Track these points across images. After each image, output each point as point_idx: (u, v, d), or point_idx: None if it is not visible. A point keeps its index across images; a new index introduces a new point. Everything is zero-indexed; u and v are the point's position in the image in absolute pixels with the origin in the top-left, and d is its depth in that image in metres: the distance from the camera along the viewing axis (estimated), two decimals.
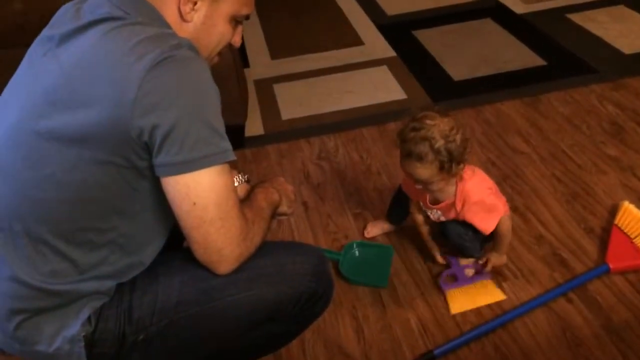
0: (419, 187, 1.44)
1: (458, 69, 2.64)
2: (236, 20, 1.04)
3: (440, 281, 1.56)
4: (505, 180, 1.93)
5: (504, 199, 1.55)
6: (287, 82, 2.67)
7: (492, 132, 2.19)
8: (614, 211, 1.74)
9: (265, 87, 2.65)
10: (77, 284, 0.95)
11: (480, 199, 1.45)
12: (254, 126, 2.35)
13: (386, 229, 1.76)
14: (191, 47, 0.93)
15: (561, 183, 1.90)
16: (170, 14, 0.97)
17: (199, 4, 0.98)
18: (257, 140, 2.27)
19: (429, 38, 2.95)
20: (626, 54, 2.62)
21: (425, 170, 1.36)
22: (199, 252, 0.95)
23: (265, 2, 3.41)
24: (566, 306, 1.49)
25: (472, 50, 2.79)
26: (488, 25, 3.03)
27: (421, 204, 1.57)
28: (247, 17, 1.05)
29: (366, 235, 1.76)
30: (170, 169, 0.89)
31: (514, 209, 1.81)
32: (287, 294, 1.04)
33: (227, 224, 0.93)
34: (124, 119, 0.86)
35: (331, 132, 2.28)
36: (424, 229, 1.63)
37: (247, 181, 1.30)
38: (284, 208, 1.21)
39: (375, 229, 1.76)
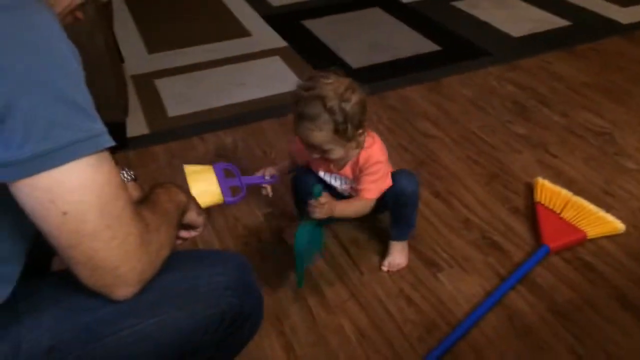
0: (316, 156, 1.28)
1: (354, 57, 2.51)
2: None
3: (223, 164, 1.33)
4: (422, 166, 1.81)
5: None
6: (171, 77, 2.38)
7: (399, 117, 2.07)
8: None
9: (145, 82, 2.34)
10: None
11: (381, 160, 1.31)
12: (136, 125, 2.04)
13: None
14: None
15: (478, 165, 1.82)
16: None
17: None
18: (141, 141, 1.97)
19: (320, 27, 2.80)
20: (515, 37, 2.65)
21: (319, 133, 1.20)
22: (85, 275, 0.68)
23: None
24: (509, 293, 1.37)
25: (366, 38, 2.68)
26: (377, 14, 2.95)
27: (323, 174, 1.39)
28: None
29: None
30: (17, 170, 0.61)
31: (435, 194, 1.69)
32: (204, 316, 0.80)
33: (119, 233, 0.67)
34: None
35: (227, 127, 2.04)
36: None
37: (134, 179, 1.06)
38: (192, 215, 0.96)
39: None
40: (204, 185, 1.27)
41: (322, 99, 1.18)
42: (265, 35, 2.75)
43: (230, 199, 1.28)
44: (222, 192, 1.28)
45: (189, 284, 0.80)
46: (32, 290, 0.76)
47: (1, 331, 0.71)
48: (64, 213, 0.63)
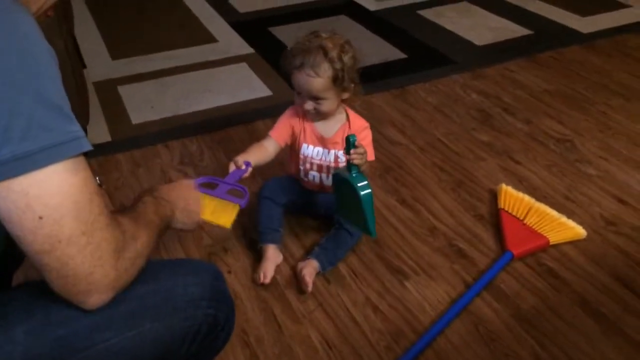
0: (310, 107, 1.36)
1: None
2: None
3: (198, 180, 1.25)
4: (389, 173, 1.82)
5: None
6: (135, 84, 2.34)
7: None
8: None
9: (108, 89, 2.29)
10: None
11: (367, 125, 1.49)
12: (98, 133, 1.99)
13: (277, 259, 1.46)
14: None
15: (444, 172, 1.83)
16: None
17: None
18: (103, 148, 1.92)
19: (287, 34, 2.79)
20: (478, 45, 2.69)
21: (319, 80, 1.31)
22: (58, 283, 0.67)
23: None
24: (474, 300, 1.38)
25: None
26: (344, 22, 2.96)
27: (313, 152, 1.47)
28: None
29: (264, 281, 1.39)
30: None
31: (401, 201, 1.70)
32: (181, 328, 0.79)
33: (94, 239, 0.66)
34: None
35: (193, 134, 2.01)
36: None
37: (100, 185, 1.05)
38: (177, 226, 0.96)
39: (270, 268, 1.42)
40: (212, 207, 1.22)
41: (323, 49, 1.30)
42: (232, 42, 2.73)
43: (243, 202, 1.26)
44: (230, 200, 1.25)
45: (164, 296, 0.79)
46: (1, 302, 0.73)
47: None
48: (40, 217, 0.63)
